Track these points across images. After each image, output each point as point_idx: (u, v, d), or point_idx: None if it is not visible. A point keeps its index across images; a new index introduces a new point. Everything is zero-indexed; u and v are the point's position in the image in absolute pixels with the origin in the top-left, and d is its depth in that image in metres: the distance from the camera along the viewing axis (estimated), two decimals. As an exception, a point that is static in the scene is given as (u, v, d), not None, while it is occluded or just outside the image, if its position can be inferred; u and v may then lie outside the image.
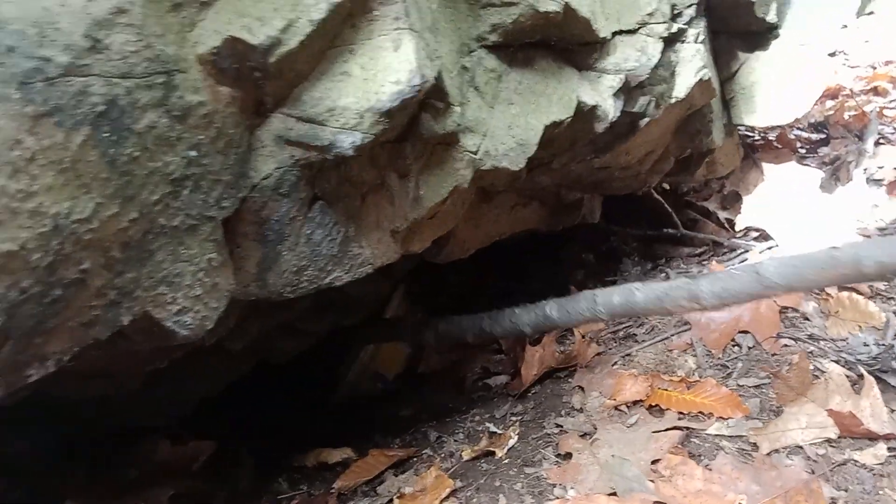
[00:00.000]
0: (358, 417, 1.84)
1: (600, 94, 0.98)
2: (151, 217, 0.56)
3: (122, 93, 0.51)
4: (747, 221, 1.76)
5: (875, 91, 2.92)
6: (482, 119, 0.84)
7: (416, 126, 0.75)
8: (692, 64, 1.08)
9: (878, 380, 1.10)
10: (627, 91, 1.03)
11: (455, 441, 1.40)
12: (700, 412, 1.18)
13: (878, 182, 1.85)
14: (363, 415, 1.83)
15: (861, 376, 1.12)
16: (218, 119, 0.60)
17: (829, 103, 2.85)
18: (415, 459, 1.35)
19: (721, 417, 1.15)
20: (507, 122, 0.86)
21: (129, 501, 1.23)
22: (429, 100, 0.74)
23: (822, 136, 2.44)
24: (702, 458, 1.08)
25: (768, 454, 1.04)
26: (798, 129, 2.51)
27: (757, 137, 1.89)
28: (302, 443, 1.58)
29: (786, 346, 1.32)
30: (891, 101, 2.75)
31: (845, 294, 1.39)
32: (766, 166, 1.70)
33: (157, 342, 0.62)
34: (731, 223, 1.85)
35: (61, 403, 1.26)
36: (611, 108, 0.99)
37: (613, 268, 1.86)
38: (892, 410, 1.07)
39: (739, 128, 1.60)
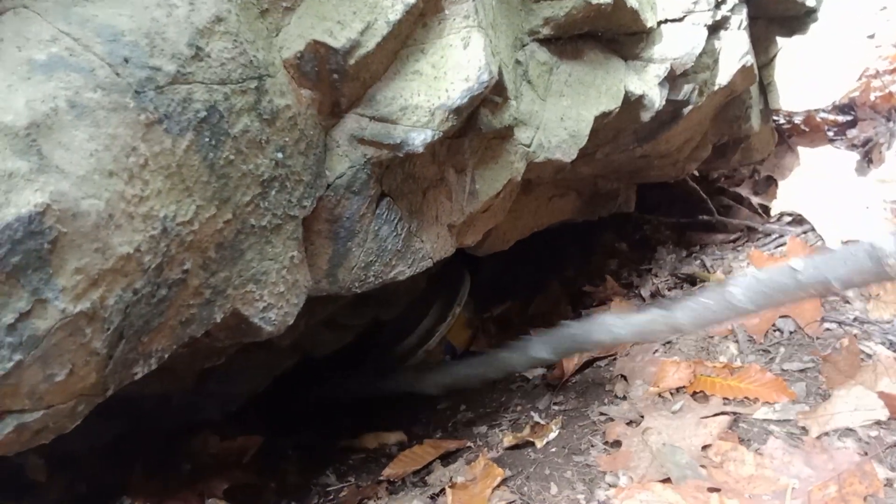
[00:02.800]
0: (397, 409, 1.86)
1: (646, 83, 0.98)
2: (243, 217, 0.58)
3: (220, 98, 0.53)
4: (783, 206, 1.76)
5: (897, 71, 2.88)
6: (535, 112, 0.85)
7: (475, 121, 0.77)
8: (735, 50, 1.08)
9: (929, 362, 1.10)
10: (672, 79, 1.03)
11: (500, 431, 1.41)
12: (745, 397, 1.18)
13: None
14: (402, 406, 1.85)
15: (909, 358, 1.12)
16: (300, 121, 0.61)
17: (853, 84, 2.82)
18: (461, 450, 1.37)
19: (767, 402, 1.15)
20: (559, 114, 0.87)
21: (185, 495, 1.26)
22: (489, 95, 0.75)
23: (849, 117, 2.41)
24: (752, 442, 1.09)
25: (818, 437, 1.04)
26: (824, 111, 2.49)
27: (783, 121, 1.88)
28: (345, 435, 1.61)
29: (828, 329, 1.32)
30: (917, 81, 2.70)
31: (886, 279, 1.38)
32: (801, 150, 1.70)
33: (241, 338, 0.64)
34: (766, 209, 1.84)
35: (119, 401, 1.29)
36: (657, 97, 1.00)
37: (648, 256, 1.86)
38: (944, 393, 1.07)
39: (776, 113, 1.60)
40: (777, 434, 1.09)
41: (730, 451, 1.06)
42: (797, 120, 2.26)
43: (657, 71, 0.99)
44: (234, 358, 1.34)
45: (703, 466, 1.05)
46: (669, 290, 1.69)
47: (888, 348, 1.20)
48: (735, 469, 1.04)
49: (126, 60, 0.47)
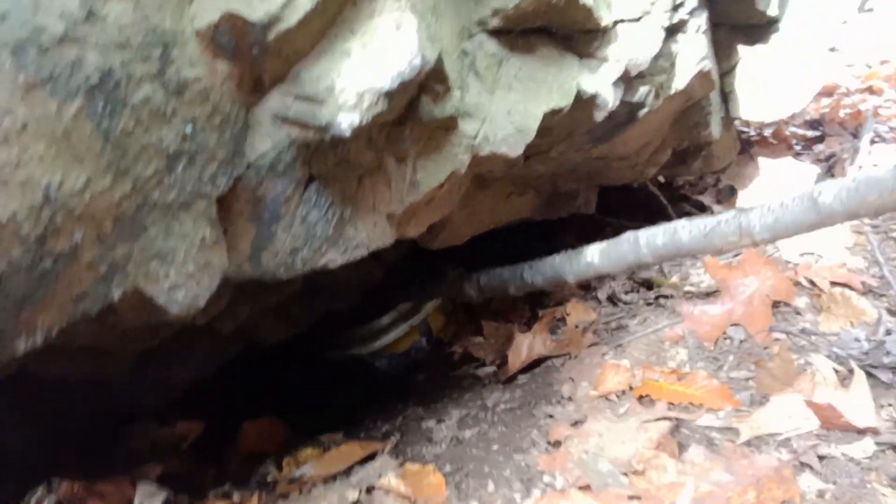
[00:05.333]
0: (345, 399, 1.84)
1: (600, 82, 0.97)
2: (145, 192, 0.55)
3: (117, 65, 0.50)
4: (742, 215, 1.76)
5: (870, 90, 2.93)
6: (481, 104, 0.83)
7: (416, 109, 0.75)
8: (693, 55, 1.07)
9: (869, 375, 1.11)
10: (627, 80, 1.02)
11: (446, 426, 1.40)
12: (690, 403, 1.18)
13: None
14: (351, 396, 1.84)
15: (851, 371, 1.12)
16: (214, 95, 0.59)
17: (825, 101, 2.85)
18: (402, 445, 1.35)
19: (711, 409, 1.15)
20: (507, 107, 0.85)
21: (118, 480, 1.22)
22: (429, 82, 0.73)
23: (818, 133, 2.44)
24: (689, 449, 1.09)
25: (746, 443, 1.04)
26: (794, 125, 2.51)
27: (753, 133, 1.89)
28: (294, 423, 1.58)
29: (777, 339, 1.32)
30: (886, 101, 2.75)
31: (838, 290, 1.40)
32: (762, 161, 1.70)
33: (147, 318, 0.62)
34: (726, 218, 1.85)
35: (51, 387, 1.25)
36: (610, 97, 0.99)
37: (607, 259, 1.86)
38: (883, 406, 1.07)
39: (737, 122, 1.60)
40: (716, 441, 1.09)
41: (652, 459, 1.06)
42: (766, 132, 2.28)
43: (612, 71, 0.98)
44: (174, 343, 1.31)
45: (624, 474, 1.04)
46: (626, 293, 1.69)
47: (833, 360, 1.20)
48: (657, 476, 1.03)
49: (4, 17, 0.45)
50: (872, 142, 2.11)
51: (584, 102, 0.97)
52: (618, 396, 1.28)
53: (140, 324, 0.65)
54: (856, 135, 2.27)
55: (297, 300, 1.50)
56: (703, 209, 1.95)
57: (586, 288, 1.79)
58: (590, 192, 1.51)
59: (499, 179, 1.30)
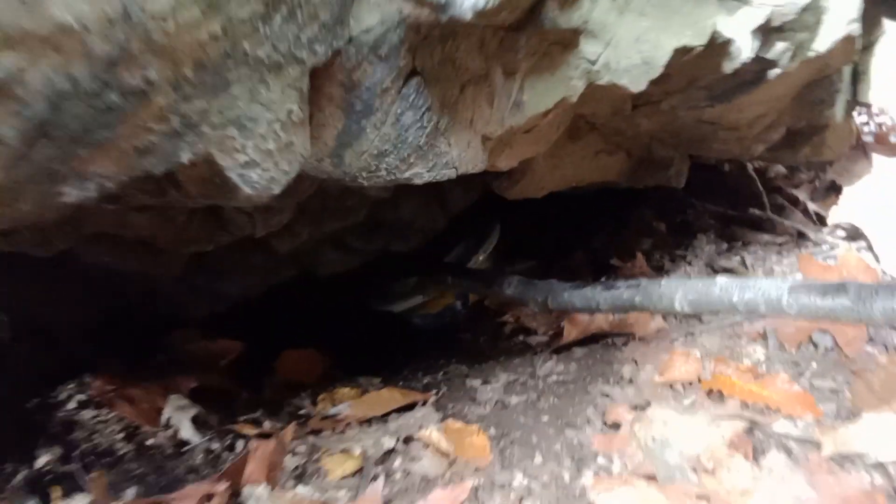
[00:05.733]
0: (386, 348, 1.79)
1: (739, 27, 0.85)
2: (235, 38, 0.47)
3: None
4: (842, 216, 1.61)
5: None
6: (609, 24, 0.73)
7: (538, 14, 0.64)
8: (843, 14, 0.93)
9: (984, 406, 0.98)
10: (766, 32, 0.89)
11: (491, 389, 1.32)
12: (767, 406, 1.07)
13: None
14: (391, 347, 1.78)
15: (963, 398, 1.00)
16: (329, -63, 0.50)
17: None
18: (444, 400, 1.28)
19: (790, 415, 1.04)
20: (636, 34, 0.74)
21: (150, 385, 1.18)
22: (561, -18, 0.63)
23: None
24: (763, 454, 0.98)
25: (830, 458, 0.93)
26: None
27: (871, 125, 1.72)
28: (334, 361, 1.53)
29: (869, 353, 1.19)
30: None
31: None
32: (876, 159, 1.54)
33: (215, 197, 0.54)
34: (821, 218, 1.70)
35: (101, 279, 1.22)
36: (746, 47, 0.86)
37: (685, 242, 1.74)
38: None
39: (859, 109, 1.45)
40: (795, 451, 0.98)
41: (725, 458, 0.96)
42: (888, 126, 2.06)
43: (754, 16, 0.85)
44: (228, 254, 1.25)
45: (693, 470, 0.94)
46: (702, 280, 1.57)
47: None
48: (729, 478, 0.93)
49: None
50: None
51: (717, 48, 0.85)
52: (684, 387, 1.18)
53: (203, 206, 0.57)
54: None
55: (357, 233, 1.43)
56: (795, 204, 1.80)
57: (659, 268, 1.68)
58: (683, 164, 1.39)
59: (593, 132, 1.19)
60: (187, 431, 1.11)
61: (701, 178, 1.79)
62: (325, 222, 1.21)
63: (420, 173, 0.69)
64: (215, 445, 1.11)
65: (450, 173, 0.72)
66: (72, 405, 1.12)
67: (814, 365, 1.20)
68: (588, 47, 0.72)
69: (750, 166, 1.72)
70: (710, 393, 1.14)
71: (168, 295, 1.26)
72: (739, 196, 1.78)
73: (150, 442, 1.10)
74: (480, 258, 1.66)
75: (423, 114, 0.66)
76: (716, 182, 1.84)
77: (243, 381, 1.41)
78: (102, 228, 0.86)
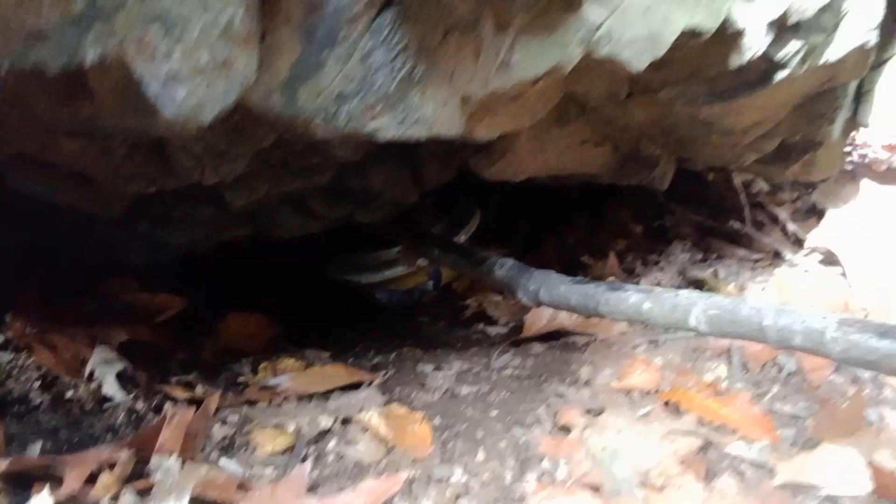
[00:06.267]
0: (340, 321, 1.71)
1: (753, 18, 0.78)
2: None
3: None
4: (820, 239, 1.58)
5: None
6: (617, -12, 0.65)
7: (541, -39, 0.57)
8: (862, 22, 0.88)
9: (945, 449, 0.94)
10: (781, 28, 0.83)
11: (442, 376, 1.26)
12: (724, 424, 1.03)
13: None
14: (346, 320, 1.70)
15: (923, 439, 0.96)
16: None
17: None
18: (391, 383, 1.21)
19: (747, 437, 0.99)
20: (646, 4, 0.67)
21: (76, 332, 1.09)
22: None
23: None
24: (717, 477, 0.93)
25: (783, 486, 0.89)
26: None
27: (864, 151, 1.68)
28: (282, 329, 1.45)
29: (832, 382, 1.16)
30: None
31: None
32: (864, 184, 1.51)
33: (130, 117, 0.45)
34: (799, 239, 1.67)
35: (33, 210, 1.11)
36: (757, 42, 0.80)
37: (660, 248, 1.69)
38: (950, 487, 0.91)
39: (858, 131, 1.41)
40: (749, 475, 0.93)
41: (676, 477, 0.91)
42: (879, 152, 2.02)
43: (770, 7, 0.78)
44: (175, 202, 1.16)
45: (641, 484, 0.89)
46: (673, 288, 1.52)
47: (901, 420, 1.04)
48: (677, 498, 0.88)
49: None
50: None
51: (726, 37, 0.78)
52: (641, 395, 1.13)
53: (126, 130, 0.48)
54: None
55: (322, 198, 1.34)
56: (775, 222, 1.77)
57: (630, 272, 1.63)
58: (669, 166, 1.33)
59: (581, 118, 1.12)
60: (111, 387, 1.02)
61: (684, 184, 1.74)
62: (285, 180, 1.12)
63: (386, 126, 0.60)
64: (140, 405, 1.03)
65: (420, 132, 0.63)
66: (-16, 345, 1.02)
67: (776, 388, 1.17)
68: (593, 10, 0.65)
69: (736, 179, 1.68)
70: (667, 405, 1.09)
71: (105, 237, 1.16)
72: (720, 207, 1.74)
73: (68, 394, 1.01)
74: (462, 239, 1.58)
75: (397, 55, 0.57)
76: (698, 190, 1.80)
77: (181, 339, 1.32)
78: (26, 149, 0.76)
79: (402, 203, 1.52)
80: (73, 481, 0.70)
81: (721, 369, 1.23)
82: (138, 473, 0.78)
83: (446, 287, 1.79)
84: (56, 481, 0.73)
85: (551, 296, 1.07)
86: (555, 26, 0.64)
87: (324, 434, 0.98)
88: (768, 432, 1.01)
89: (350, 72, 0.56)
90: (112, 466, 0.73)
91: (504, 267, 1.20)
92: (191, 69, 0.44)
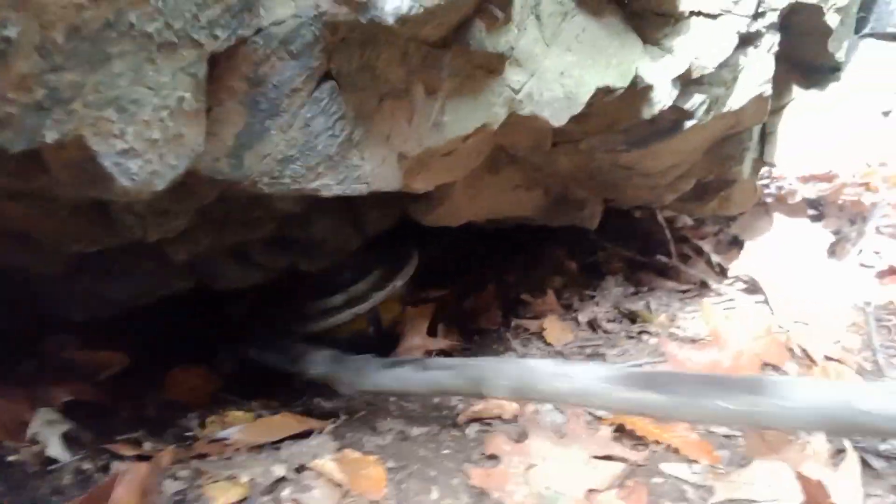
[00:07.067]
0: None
1: (660, 74, 0.87)
2: (120, 5, 0.42)
3: None
4: (742, 268, 1.69)
5: (867, 187, 2.92)
6: (535, 55, 0.72)
7: (465, 34, 0.62)
8: (757, 74, 0.98)
9: (861, 459, 1.02)
10: (685, 83, 0.92)
11: (392, 419, 1.27)
12: (668, 446, 1.08)
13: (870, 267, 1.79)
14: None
15: (843, 450, 1.04)
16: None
17: (823, 185, 2.83)
18: (342, 429, 1.22)
19: (689, 459, 1.05)
20: (561, 68, 0.74)
21: (18, 395, 1.06)
22: (489, 3, 0.61)
23: (816, 212, 2.40)
24: (661, 499, 0.98)
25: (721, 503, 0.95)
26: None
27: (781, 184, 1.82)
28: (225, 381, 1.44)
29: (760, 403, 1.23)
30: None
31: (832, 365, 1.32)
32: (777, 216, 1.63)
33: (89, 189, 0.48)
34: (723, 269, 1.78)
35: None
36: (665, 95, 0.88)
37: (594, 283, 1.76)
38: (870, 495, 0.99)
39: (766, 168, 1.53)
40: (689, 495, 0.98)
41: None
42: (786, 188, 2.18)
43: (674, 65, 0.87)
44: (114, 257, 1.16)
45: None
46: (609, 321, 1.59)
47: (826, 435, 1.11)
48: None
49: None
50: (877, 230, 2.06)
51: (638, 92, 0.86)
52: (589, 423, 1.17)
53: (77, 197, 0.51)
54: (854, 221, 2.22)
55: (264, 249, 1.36)
56: (699, 254, 1.87)
57: (568, 307, 1.69)
58: (597, 206, 1.41)
59: (512, 165, 1.18)
60: (56, 449, 1.00)
61: (613, 222, 1.84)
62: (227, 233, 1.14)
63: (329, 185, 0.65)
64: (87, 465, 1.01)
65: (361, 188, 0.68)
66: (-80, 412, 0.99)
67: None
68: (513, 75, 0.71)
69: (660, 215, 1.78)
70: (617, 431, 1.13)
71: (44, 294, 1.15)
72: (648, 242, 1.84)
73: (11, 458, 0.98)
74: (398, 285, 1.61)
75: (336, 121, 0.62)
76: (627, 227, 1.90)
77: (124, 396, 1.30)
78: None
79: (344, 250, 1.55)
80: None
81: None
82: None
83: (388, 330, 1.81)
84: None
85: (367, 384, 1.13)
86: (480, 90, 0.70)
87: (278, 482, 0.98)
88: (708, 454, 1.07)
89: (293, 137, 0.60)
90: (61, 530, 0.72)
91: (320, 362, 1.23)
92: (144, 145, 0.47)
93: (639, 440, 1.11)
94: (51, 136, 0.42)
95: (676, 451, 1.07)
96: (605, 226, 1.80)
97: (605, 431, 1.15)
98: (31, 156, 0.43)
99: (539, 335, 1.57)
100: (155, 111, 0.46)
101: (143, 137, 0.46)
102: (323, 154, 0.62)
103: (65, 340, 1.30)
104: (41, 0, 0.38)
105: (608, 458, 1.07)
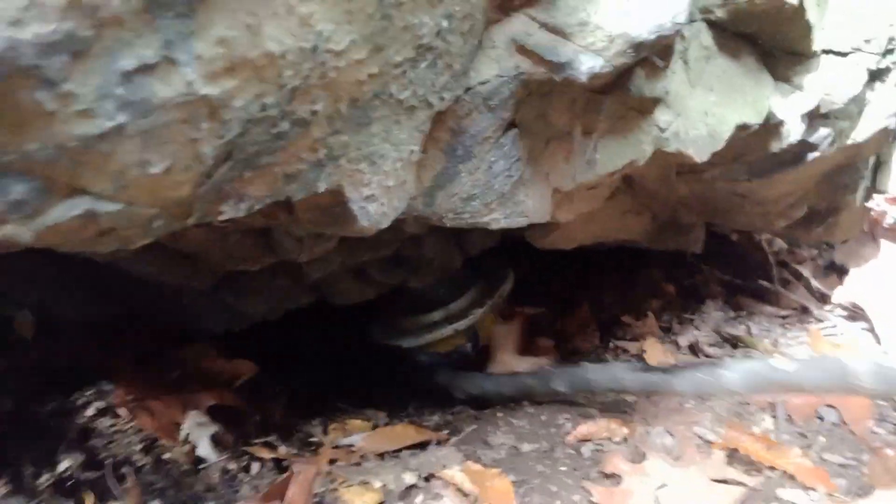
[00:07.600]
0: (389, 383, 1.78)
1: (790, 110, 0.90)
2: (386, 80, 0.49)
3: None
4: (846, 296, 1.67)
5: None
6: (681, 96, 0.77)
7: (626, 81, 0.68)
8: (884, 108, 1.00)
9: None
10: (813, 117, 0.95)
11: (502, 434, 1.32)
12: (784, 473, 1.09)
13: None
14: (394, 382, 1.77)
15: (972, 485, 1.03)
16: (474, -5, 0.53)
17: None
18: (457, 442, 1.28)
19: (805, 486, 1.06)
20: (704, 108, 0.79)
21: (170, 400, 1.17)
22: (652, 54, 0.67)
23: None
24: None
25: (846, 536, 0.95)
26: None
27: (889, 217, 1.79)
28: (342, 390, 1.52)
29: (875, 433, 1.22)
30: None
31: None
32: (885, 243, 1.61)
33: (325, 224, 0.56)
34: (824, 295, 1.76)
35: (116, 279, 1.21)
36: (795, 129, 0.91)
37: (693, 306, 1.77)
38: None
39: (880, 195, 1.52)
40: (808, 524, 0.99)
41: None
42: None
43: (804, 102, 0.90)
44: (256, 275, 1.26)
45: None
46: (710, 345, 1.60)
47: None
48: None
49: None
50: None
51: (769, 128, 0.90)
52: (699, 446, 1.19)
53: (303, 233, 0.59)
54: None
55: (381, 266, 1.45)
56: (798, 279, 1.86)
57: (667, 330, 1.71)
58: (701, 230, 1.43)
59: (627, 192, 1.23)
60: (205, 449, 1.10)
61: (710, 244, 1.85)
62: (358, 253, 1.22)
63: (497, 219, 0.71)
64: (231, 466, 1.10)
65: (522, 221, 0.74)
66: (90, 412, 1.11)
67: (821, 439, 1.22)
68: (661, 115, 0.76)
69: (759, 238, 1.78)
70: (732, 454, 1.15)
71: (190, 307, 1.26)
72: (746, 266, 1.83)
73: (166, 456, 1.08)
74: (497, 301, 1.67)
75: (514, 163, 0.68)
76: (723, 250, 1.89)
77: (254, 402, 1.39)
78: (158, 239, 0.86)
79: (448, 268, 1.62)
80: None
81: (767, 422, 1.29)
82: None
83: (484, 347, 1.87)
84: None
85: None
86: (631, 129, 0.75)
87: (410, 489, 1.04)
88: (825, 481, 1.08)
89: (477, 179, 0.67)
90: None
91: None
92: (382, 191, 0.55)
93: (752, 465, 1.12)
94: (322, 187, 0.50)
95: (792, 477, 1.08)
96: (704, 248, 1.80)
97: (718, 455, 1.16)
98: (286, 199, 0.51)
99: (639, 357, 1.59)
100: (393, 163, 0.54)
101: (382, 185, 0.54)
102: (498, 192, 0.69)
103: (201, 350, 1.41)
104: (340, 79, 0.46)
105: (725, 481, 1.09)
